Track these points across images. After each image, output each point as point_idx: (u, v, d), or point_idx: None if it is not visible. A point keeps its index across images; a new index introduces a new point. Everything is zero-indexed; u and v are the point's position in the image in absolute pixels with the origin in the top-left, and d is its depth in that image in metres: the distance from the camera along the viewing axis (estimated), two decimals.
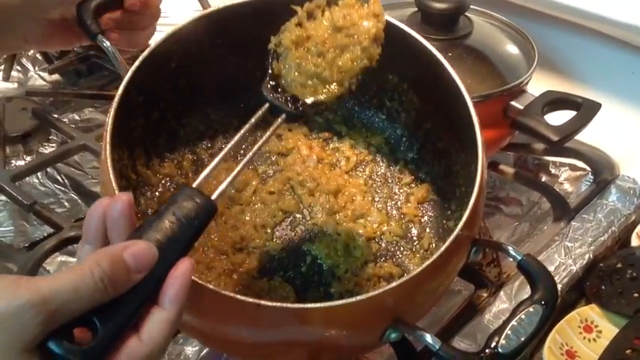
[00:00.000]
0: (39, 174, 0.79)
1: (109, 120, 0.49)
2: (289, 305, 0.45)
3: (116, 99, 0.50)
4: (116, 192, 0.45)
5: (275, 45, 0.49)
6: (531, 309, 0.46)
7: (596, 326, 0.62)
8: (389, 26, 0.53)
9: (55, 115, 0.86)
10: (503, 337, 0.45)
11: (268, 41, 0.49)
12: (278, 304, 0.44)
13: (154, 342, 0.36)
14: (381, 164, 0.65)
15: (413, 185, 0.63)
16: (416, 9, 0.75)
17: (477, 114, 0.67)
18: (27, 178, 0.78)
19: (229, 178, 0.43)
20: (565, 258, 0.68)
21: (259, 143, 0.46)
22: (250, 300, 0.44)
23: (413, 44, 0.57)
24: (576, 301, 0.67)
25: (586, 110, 0.71)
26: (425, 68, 0.57)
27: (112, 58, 0.60)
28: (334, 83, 0.48)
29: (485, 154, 0.52)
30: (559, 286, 0.65)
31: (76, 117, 0.88)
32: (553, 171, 0.82)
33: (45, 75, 0.94)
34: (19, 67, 0.94)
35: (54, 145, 0.84)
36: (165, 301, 0.37)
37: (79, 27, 0.61)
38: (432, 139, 0.62)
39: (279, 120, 0.47)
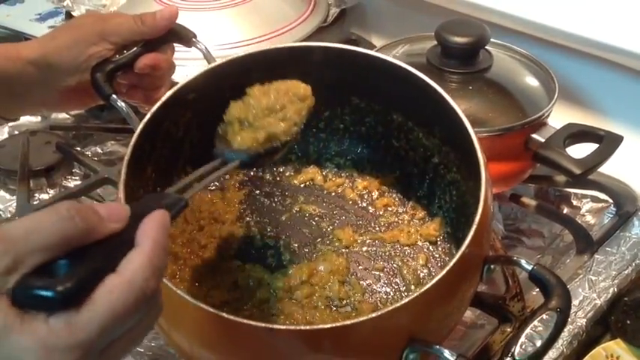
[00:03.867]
0: None
1: (123, 170, 0.53)
2: (302, 327, 0.46)
3: (128, 153, 0.54)
4: None
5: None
6: (545, 316, 0.48)
7: None
8: (391, 66, 0.56)
9: (78, 149, 0.87)
10: (519, 344, 0.46)
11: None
12: (291, 327, 0.45)
13: (131, 272, 0.36)
14: (396, 201, 0.67)
15: (426, 220, 0.64)
16: (436, 42, 0.75)
17: (499, 147, 0.69)
18: None
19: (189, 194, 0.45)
20: (589, 292, 0.67)
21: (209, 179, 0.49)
22: (263, 325, 0.44)
23: (415, 82, 0.58)
24: (601, 335, 0.66)
25: (608, 143, 0.71)
26: (428, 105, 0.59)
27: (125, 116, 0.63)
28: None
29: (488, 172, 0.53)
30: (583, 321, 0.65)
31: (99, 150, 0.90)
32: (575, 203, 0.81)
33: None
34: None
35: (77, 178, 0.85)
36: (139, 238, 0.37)
37: (93, 90, 0.64)
38: (440, 172, 0.63)
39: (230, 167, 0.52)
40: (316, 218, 0.66)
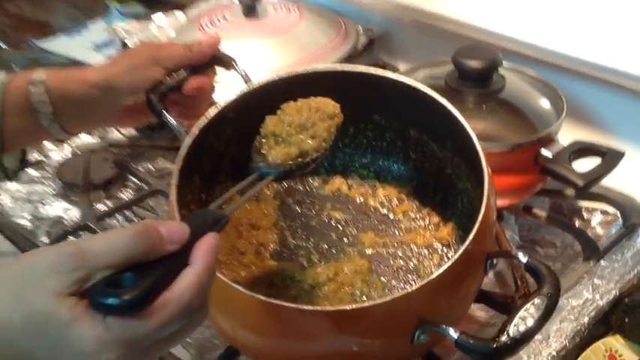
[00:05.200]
0: (119, 216, 0.90)
1: (174, 177, 0.61)
2: (326, 308, 0.54)
3: (178, 163, 0.63)
4: None
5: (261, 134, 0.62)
6: (537, 300, 0.54)
7: (620, 355, 0.67)
8: (409, 87, 0.64)
9: (133, 165, 0.98)
10: (513, 324, 0.53)
11: None
12: (317, 307, 0.53)
13: (182, 290, 0.43)
14: (413, 208, 0.74)
15: (440, 225, 0.71)
16: (453, 67, 0.83)
17: (510, 161, 0.76)
18: (109, 220, 0.89)
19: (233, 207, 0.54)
20: (592, 294, 0.74)
21: (248, 196, 0.58)
22: (294, 306, 0.52)
23: (430, 101, 0.66)
24: (603, 334, 0.72)
25: (610, 158, 0.77)
26: (441, 121, 0.66)
27: (175, 131, 0.71)
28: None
29: (492, 180, 0.61)
30: (586, 319, 0.71)
31: (150, 166, 0.99)
32: (586, 216, 0.87)
33: (123, 130, 1.06)
34: None
35: (131, 190, 0.95)
36: (193, 259, 0.45)
37: (147, 108, 0.73)
38: (453, 181, 0.70)
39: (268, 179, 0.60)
40: (342, 223, 0.74)
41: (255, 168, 0.60)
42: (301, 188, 0.77)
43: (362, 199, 0.76)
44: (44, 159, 1.00)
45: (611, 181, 0.85)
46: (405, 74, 0.84)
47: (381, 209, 0.75)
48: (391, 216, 0.74)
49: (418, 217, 0.73)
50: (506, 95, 0.83)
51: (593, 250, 0.80)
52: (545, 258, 0.84)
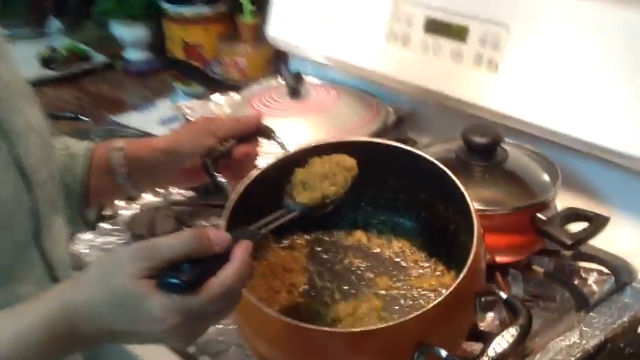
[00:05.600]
0: None
1: (225, 214, 0.77)
2: (342, 330, 0.66)
3: (229, 207, 0.78)
4: None
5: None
6: (512, 329, 0.66)
7: None
8: (421, 158, 0.78)
9: (191, 220, 1.13)
10: (491, 347, 0.65)
11: None
12: (335, 329, 0.66)
13: (224, 277, 0.58)
14: (422, 258, 0.87)
15: (445, 272, 0.84)
16: (462, 142, 0.97)
17: (510, 222, 0.89)
18: None
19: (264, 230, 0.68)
20: (580, 339, 0.84)
21: (278, 222, 0.71)
22: (310, 327, 0.66)
23: (437, 170, 0.80)
24: None
25: (596, 222, 0.89)
26: (446, 186, 0.79)
27: (224, 189, 0.85)
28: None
29: (480, 230, 0.74)
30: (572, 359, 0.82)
31: (205, 222, 1.14)
32: (584, 275, 0.97)
33: (183, 191, 1.23)
34: None
35: None
36: (232, 257, 0.60)
37: (203, 171, 0.87)
38: (455, 235, 0.82)
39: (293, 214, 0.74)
40: (361, 269, 0.86)
41: (286, 206, 0.74)
42: (328, 239, 0.91)
43: (379, 250, 0.88)
44: (116, 214, 1.16)
45: (605, 244, 0.96)
46: (422, 148, 0.99)
47: (394, 258, 0.87)
48: (403, 264, 0.86)
49: (426, 266, 0.86)
50: (508, 166, 0.96)
51: (584, 303, 0.90)
52: (544, 310, 0.94)
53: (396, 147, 0.84)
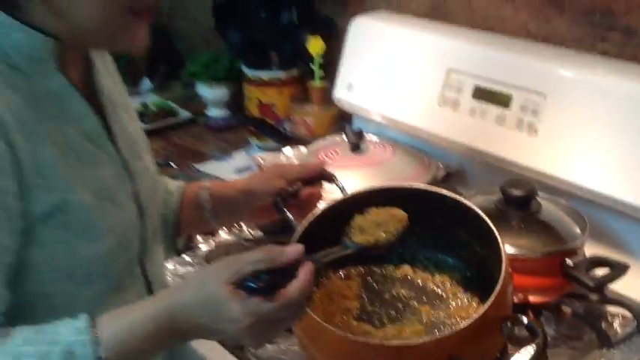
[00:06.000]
0: None
1: None
2: (388, 343, 0.80)
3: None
4: None
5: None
6: (530, 347, 0.78)
7: None
8: (464, 205, 0.92)
9: None
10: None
11: None
12: (381, 342, 0.80)
13: (291, 290, 0.72)
14: (460, 290, 0.99)
15: (480, 304, 0.95)
16: (501, 194, 1.10)
17: (541, 266, 1.01)
18: None
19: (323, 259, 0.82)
20: None
21: (335, 255, 0.85)
22: (366, 340, 0.80)
23: (476, 216, 0.93)
24: None
25: (618, 269, 1.00)
26: (483, 230, 0.92)
27: (292, 224, 0.99)
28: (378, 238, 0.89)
29: (508, 268, 0.86)
30: None
31: None
32: (609, 319, 1.06)
33: (253, 231, 1.38)
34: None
35: None
36: (298, 275, 0.74)
37: (273, 209, 1.02)
38: (490, 273, 0.93)
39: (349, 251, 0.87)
40: (407, 298, 0.98)
41: (344, 243, 0.88)
42: (379, 271, 1.04)
43: (423, 282, 1.01)
44: (196, 248, 1.33)
45: (630, 291, 1.07)
46: (466, 197, 1.12)
47: (436, 290, 1.00)
48: (443, 295, 0.99)
49: (464, 297, 0.98)
50: (541, 217, 1.07)
51: (607, 341, 1.00)
52: (572, 349, 1.04)
53: (442, 194, 0.99)
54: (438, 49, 1.38)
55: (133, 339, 0.72)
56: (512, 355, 0.89)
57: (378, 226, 0.90)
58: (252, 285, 0.72)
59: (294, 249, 0.76)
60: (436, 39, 1.39)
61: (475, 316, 0.82)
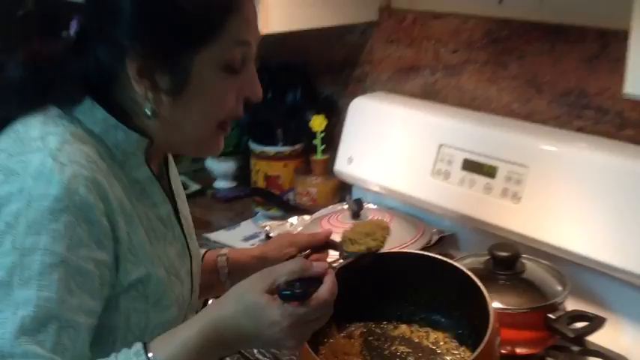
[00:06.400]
0: None
1: None
2: None
3: None
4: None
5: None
6: None
7: None
8: (454, 268, 1.03)
9: None
10: None
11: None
12: None
13: (322, 293, 0.84)
14: (454, 346, 1.09)
15: (469, 354, 1.04)
16: (489, 256, 1.21)
17: (526, 320, 1.11)
18: None
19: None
20: None
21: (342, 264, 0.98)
22: None
23: (465, 277, 1.03)
24: None
25: (596, 322, 1.11)
26: (471, 290, 1.02)
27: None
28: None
29: (495, 323, 0.95)
30: None
31: None
32: None
33: None
34: None
35: None
36: (324, 280, 0.85)
37: None
38: (478, 328, 1.02)
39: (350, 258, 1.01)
40: (405, 354, 1.06)
41: (341, 253, 1.01)
42: (379, 331, 1.12)
43: (419, 340, 1.10)
44: None
45: (608, 343, 1.17)
46: (457, 260, 1.23)
47: (431, 346, 1.08)
48: (438, 351, 1.08)
49: (457, 352, 1.07)
50: (525, 276, 1.18)
51: None
52: None
53: (434, 258, 1.09)
54: (430, 126, 1.51)
55: (184, 355, 0.81)
56: None
57: (367, 236, 1.03)
58: (289, 293, 0.83)
59: (320, 263, 0.89)
60: (429, 117, 1.53)
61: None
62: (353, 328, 1.13)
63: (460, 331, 1.10)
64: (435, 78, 1.61)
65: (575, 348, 1.18)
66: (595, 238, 1.22)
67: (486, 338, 0.94)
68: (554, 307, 1.14)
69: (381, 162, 1.59)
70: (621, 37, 1.23)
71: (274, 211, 1.78)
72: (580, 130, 1.36)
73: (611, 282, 1.22)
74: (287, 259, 1.12)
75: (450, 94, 1.58)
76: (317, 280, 0.86)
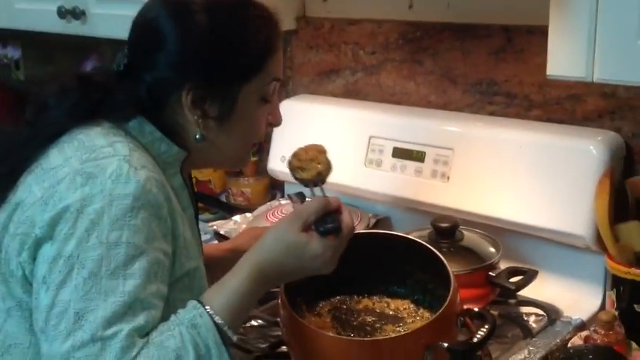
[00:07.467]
0: None
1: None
2: (367, 339, 1.03)
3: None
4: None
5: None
6: (483, 328, 1.02)
7: None
8: (407, 241, 1.17)
9: None
10: (475, 337, 1.02)
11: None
12: (361, 338, 1.02)
13: (348, 222, 0.99)
14: (412, 309, 1.23)
15: (430, 316, 1.18)
16: (431, 229, 1.37)
17: (471, 279, 1.26)
18: None
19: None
20: (528, 354, 1.20)
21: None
22: (334, 336, 1.04)
23: (420, 248, 1.18)
24: None
25: (530, 274, 1.29)
26: (424, 259, 1.17)
27: None
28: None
29: (455, 283, 1.10)
30: None
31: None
32: (525, 317, 1.34)
33: None
34: None
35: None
36: (342, 210, 0.99)
37: None
38: (434, 292, 1.17)
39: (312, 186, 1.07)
40: (372, 322, 1.19)
41: (300, 182, 1.08)
42: (345, 307, 1.23)
43: (381, 310, 1.22)
44: None
45: (538, 294, 1.36)
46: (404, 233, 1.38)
47: (393, 313, 1.21)
48: (400, 316, 1.20)
49: (416, 314, 1.20)
50: (464, 243, 1.35)
51: (529, 332, 1.27)
52: (502, 343, 1.29)
53: (387, 234, 1.25)
54: (359, 121, 1.65)
55: (237, 301, 0.94)
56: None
57: (311, 161, 1.09)
58: (329, 227, 0.96)
59: (333, 197, 1.01)
60: (356, 113, 1.67)
61: (437, 313, 1.06)
62: (320, 306, 1.24)
63: (416, 297, 1.24)
64: (355, 78, 1.75)
65: (512, 301, 1.36)
66: (517, 204, 1.40)
67: (452, 287, 1.09)
68: (493, 267, 1.31)
69: None
70: (523, 31, 1.43)
71: (208, 215, 1.87)
72: (492, 114, 1.54)
73: (535, 241, 1.41)
74: None
75: (371, 91, 1.73)
76: (336, 212, 0.98)
